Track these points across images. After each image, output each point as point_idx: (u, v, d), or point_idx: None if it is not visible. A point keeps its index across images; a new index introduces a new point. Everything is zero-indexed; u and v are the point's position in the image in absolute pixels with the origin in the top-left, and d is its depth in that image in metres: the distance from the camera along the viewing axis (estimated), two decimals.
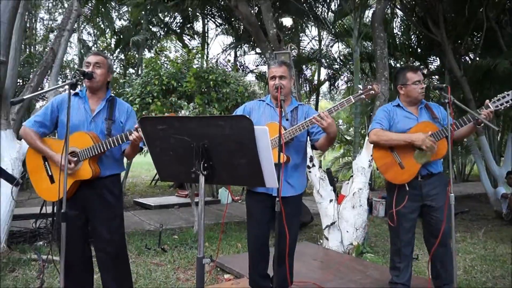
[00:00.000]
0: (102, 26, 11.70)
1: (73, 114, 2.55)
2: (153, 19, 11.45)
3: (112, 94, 2.75)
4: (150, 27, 11.63)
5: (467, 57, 9.48)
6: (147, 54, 11.67)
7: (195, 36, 12.83)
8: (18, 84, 8.87)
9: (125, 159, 2.89)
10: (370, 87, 2.55)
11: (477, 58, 8.51)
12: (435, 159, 2.88)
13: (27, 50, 10.79)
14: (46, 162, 2.61)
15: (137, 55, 11.84)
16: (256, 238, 2.80)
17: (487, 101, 2.74)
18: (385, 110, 3.07)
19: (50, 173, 2.59)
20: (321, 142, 2.73)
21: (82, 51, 11.00)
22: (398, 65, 10.68)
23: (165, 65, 5.71)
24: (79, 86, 2.44)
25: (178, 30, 12.23)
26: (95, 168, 2.53)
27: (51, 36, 11.65)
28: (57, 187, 2.40)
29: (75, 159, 2.48)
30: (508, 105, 2.72)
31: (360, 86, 2.59)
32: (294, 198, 2.78)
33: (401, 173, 2.93)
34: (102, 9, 10.45)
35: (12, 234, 4.83)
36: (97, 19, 11.31)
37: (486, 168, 8.13)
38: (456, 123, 2.82)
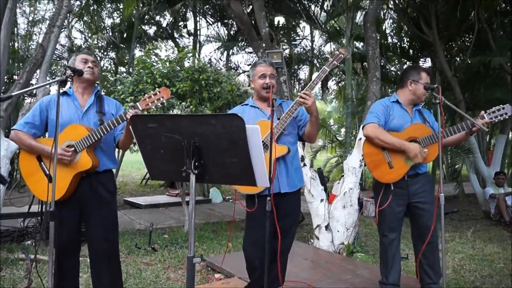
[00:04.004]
0: (91, 24, 11.56)
1: (64, 112, 2.55)
2: (145, 17, 11.37)
3: (102, 92, 2.76)
4: (141, 26, 11.53)
5: (458, 58, 9.57)
6: (137, 53, 11.59)
7: (187, 35, 12.75)
8: (5, 81, 8.75)
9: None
10: (338, 52, 2.64)
11: (468, 60, 8.59)
12: (424, 163, 2.94)
13: (16, 45, 10.64)
14: (42, 162, 2.59)
15: (127, 55, 11.75)
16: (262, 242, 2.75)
17: (483, 112, 2.84)
18: (383, 105, 3.05)
19: (47, 173, 2.55)
20: (308, 129, 2.74)
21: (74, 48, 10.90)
22: (389, 65, 10.74)
23: (156, 64, 5.68)
24: (68, 83, 2.42)
25: (169, 29, 12.15)
26: (94, 158, 2.53)
27: (35, 29, 11.54)
28: (56, 185, 2.36)
29: (72, 149, 2.48)
30: (502, 118, 2.82)
31: (329, 56, 2.67)
32: (296, 194, 2.79)
33: (389, 172, 2.94)
34: (95, 5, 10.35)
35: (0, 233, 4.76)
36: (87, 17, 11.19)
37: (475, 168, 8.21)
38: (450, 130, 2.89)
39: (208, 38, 12.54)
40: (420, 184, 3.00)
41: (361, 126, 3.10)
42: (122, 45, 11.16)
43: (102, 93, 2.85)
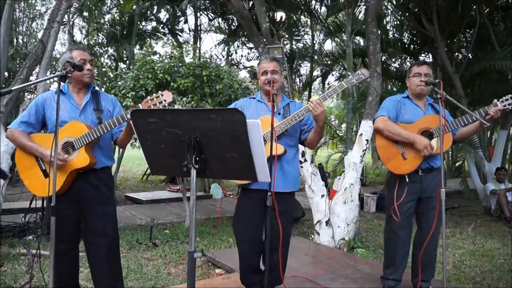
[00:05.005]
0: (91, 20, 11.51)
1: (61, 111, 2.51)
2: (146, 13, 11.32)
3: (102, 88, 2.76)
4: (141, 22, 11.49)
5: (459, 54, 9.53)
6: (137, 50, 11.54)
7: (188, 31, 12.74)
8: (6, 77, 8.74)
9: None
10: (360, 72, 2.63)
11: (470, 55, 8.56)
12: (437, 153, 2.87)
13: (15, 42, 10.62)
14: (38, 157, 2.57)
15: (125, 51, 11.71)
16: (248, 233, 2.76)
17: (495, 100, 2.79)
18: (394, 100, 3.07)
19: (43, 168, 2.55)
20: (310, 136, 2.74)
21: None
22: (390, 61, 10.72)
23: (156, 61, 5.66)
24: (68, 79, 2.40)
25: (169, 25, 12.11)
26: (91, 156, 2.53)
27: (34, 25, 11.50)
28: (52, 181, 2.36)
29: (66, 155, 2.46)
30: None
31: (349, 73, 2.64)
32: (289, 195, 2.76)
33: (403, 163, 2.93)
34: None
35: (1, 229, 4.78)
36: (89, 12, 11.15)
37: (476, 164, 8.20)
38: (463, 119, 2.86)
39: (209, 30, 12.50)
40: (434, 180, 2.98)
41: (372, 120, 3.09)
42: (123, 40, 11.12)
43: (98, 89, 2.83)
